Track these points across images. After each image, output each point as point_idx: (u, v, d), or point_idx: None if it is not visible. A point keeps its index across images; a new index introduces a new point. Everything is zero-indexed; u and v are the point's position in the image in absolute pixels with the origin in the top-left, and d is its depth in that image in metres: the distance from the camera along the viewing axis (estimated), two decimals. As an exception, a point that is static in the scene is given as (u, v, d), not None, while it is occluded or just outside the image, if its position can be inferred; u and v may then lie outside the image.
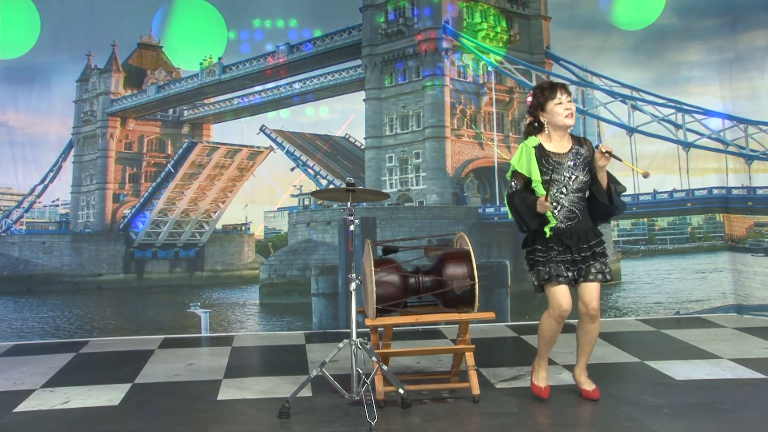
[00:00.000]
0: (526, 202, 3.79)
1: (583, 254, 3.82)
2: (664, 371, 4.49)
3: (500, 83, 6.95)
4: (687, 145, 6.64)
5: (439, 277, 3.93)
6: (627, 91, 6.74)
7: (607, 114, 6.82)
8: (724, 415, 3.67)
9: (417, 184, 6.86)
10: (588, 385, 4.01)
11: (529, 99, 3.96)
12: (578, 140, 3.93)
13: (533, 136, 3.89)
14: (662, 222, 7.03)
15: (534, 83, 6.86)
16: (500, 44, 6.98)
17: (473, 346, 4.00)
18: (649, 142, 6.70)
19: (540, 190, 3.80)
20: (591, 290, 3.83)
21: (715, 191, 6.63)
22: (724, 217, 6.76)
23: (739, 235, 6.72)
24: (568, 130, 3.91)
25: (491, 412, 3.81)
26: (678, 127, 6.68)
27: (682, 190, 6.68)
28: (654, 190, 6.76)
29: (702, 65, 6.64)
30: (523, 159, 3.83)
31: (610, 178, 3.87)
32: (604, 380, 4.33)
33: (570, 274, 3.81)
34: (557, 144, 3.88)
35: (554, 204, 3.82)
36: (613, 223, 6.95)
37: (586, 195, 3.92)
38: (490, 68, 6.93)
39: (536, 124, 3.91)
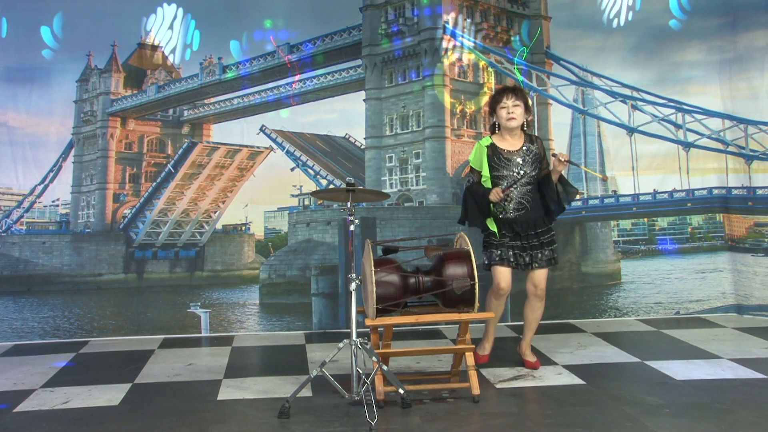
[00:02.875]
0: (479, 193, 4.33)
1: (531, 242, 4.36)
2: (664, 371, 4.49)
3: (500, 83, 6.95)
4: (687, 145, 6.64)
5: (439, 277, 3.93)
6: (627, 91, 6.74)
7: (607, 114, 6.82)
8: (724, 415, 3.67)
9: (417, 184, 6.86)
10: (531, 357, 4.66)
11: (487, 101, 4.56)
12: (530, 138, 4.43)
13: (487, 136, 4.43)
14: (662, 222, 7.03)
15: (534, 83, 6.87)
16: (500, 44, 6.98)
17: (473, 346, 4.01)
18: (649, 142, 6.70)
19: (488, 185, 4.34)
20: (539, 275, 4.40)
21: (715, 191, 6.63)
22: (724, 217, 6.76)
23: (739, 235, 6.72)
24: (519, 130, 4.39)
25: (491, 412, 3.81)
26: (678, 127, 6.68)
27: (682, 190, 6.68)
28: (654, 190, 6.77)
29: (702, 65, 6.63)
30: (476, 156, 4.39)
31: (563, 180, 4.38)
32: (604, 380, 4.34)
33: (519, 259, 4.35)
34: (509, 142, 4.40)
35: (505, 196, 4.30)
36: (612, 223, 6.96)
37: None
38: (490, 68, 6.94)
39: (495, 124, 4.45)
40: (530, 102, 4.59)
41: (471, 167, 4.45)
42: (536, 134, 4.60)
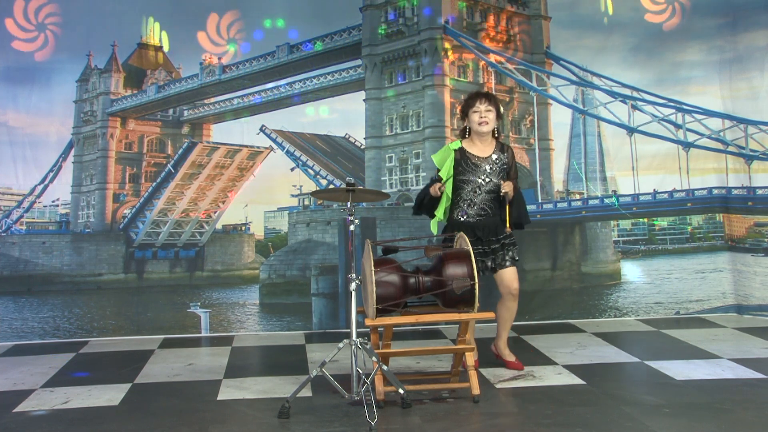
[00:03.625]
0: (426, 192, 4.37)
1: (493, 246, 4.36)
2: (664, 371, 4.49)
3: (500, 83, 6.95)
4: (687, 145, 6.64)
5: (439, 277, 3.92)
6: (627, 91, 6.74)
7: (607, 114, 6.82)
8: (724, 415, 3.67)
9: (417, 184, 6.85)
10: (510, 357, 4.63)
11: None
12: (501, 147, 4.45)
13: (458, 140, 4.44)
14: (662, 222, 7.03)
15: (534, 83, 6.87)
16: (500, 44, 6.99)
17: (473, 346, 4.01)
18: (649, 142, 6.70)
19: (449, 185, 4.35)
20: (509, 274, 4.39)
21: (715, 191, 6.63)
22: (724, 217, 6.76)
23: (739, 235, 6.72)
24: (491, 136, 4.40)
25: (491, 412, 3.81)
26: (678, 127, 6.68)
27: (682, 190, 6.68)
28: (654, 190, 6.76)
29: (702, 65, 6.64)
30: (442, 157, 4.38)
31: (518, 203, 4.39)
32: (604, 380, 4.34)
33: (482, 264, 4.32)
34: (479, 148, 4.41)
35: (467, 201, 4.37)
36: (612, 223, 6.96)
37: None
38: (490, 68, 6.94)
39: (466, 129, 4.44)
40: (501, 109, 4.57)
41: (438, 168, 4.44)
42: (508, 143, 4.72)
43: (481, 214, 4.38)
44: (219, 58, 6.85)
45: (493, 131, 4.41)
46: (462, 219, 4.39)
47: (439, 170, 4.41)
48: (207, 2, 6.53)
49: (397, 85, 6.94)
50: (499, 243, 4.38)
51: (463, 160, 4.36)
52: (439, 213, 4.42)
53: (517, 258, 4.45)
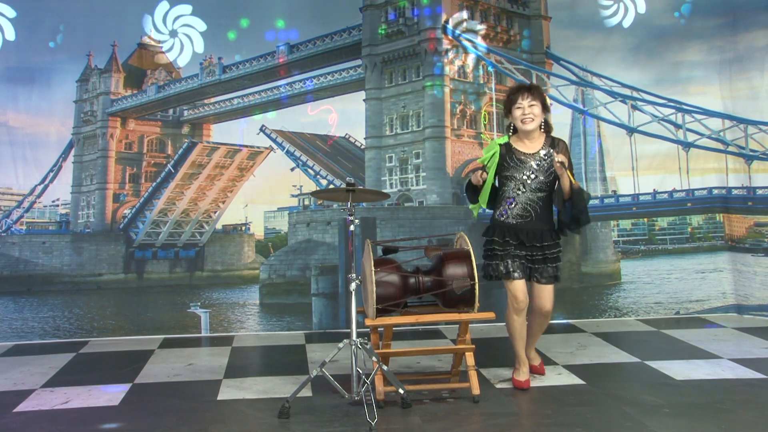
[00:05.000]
0: (475, 186, 4.09)
1: (535, 255, 4.06)
2: (664, 371, 4.49)
3: (500, 83, 6.95)
4: (687, 145, 6.64)
5: (439, 277, 3.93)
6: (627, 91, 6.74)
7: (607, 114, 6.82)
8: (724, 415, 3.67)
9: (417, 184, 6.86)
10: (535, 361, 4.43)
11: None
12: (552, 141, 4.12)
13: (506, 135, 4.17)
14: (662, 222, 7.03)
15: (534, 83, 6.86)
16: (500, 44, 6.99)
17: (473, 346, 4.01)
18: (649, 142, 6.70)
19: (489, 179, 4.06)
20: (545, 292, 4.12)
21: (715, 191, 6.63)
22: (724, 217, 6.76)
23: (739, 235, 6.72)
24: (538, 131, 4.09)
25: (491, 412, 3.81)
26: (678, 127, 6.68)
27: (682, 190, 6.68)
28: (654, 190, 6.77)
29: (702, 65, 6.64)
30: (487, 151, 4.12)
31: (576, 192, 4.01)
32: (604, 380, 4.34)
33: (527, 268, 4.07)
34: (526, 145, 4.11)
35: (510, 199, 4.07)
36: (612, 223, 6.96)
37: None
38: (490, 68, 6.94)
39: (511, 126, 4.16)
40: (548, 100, 4.23)
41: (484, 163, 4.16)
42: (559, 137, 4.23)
43: (524, 216, 4.06)
44: (219, 58, 6.85)
45: (542, 125, 4.10)
46: (502, 219, 4.10)
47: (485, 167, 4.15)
48: (207, 3, 6.54)
49: (397, 84, 6.94)
50: (543, 255, 4.07)
51: (508, 155, 4.07)
52: (482, 199, 4.12)
53: (558, 278, 4.14)
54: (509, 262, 4.06)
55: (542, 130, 4.13)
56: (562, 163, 3.91)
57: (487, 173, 4.04)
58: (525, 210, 4.07)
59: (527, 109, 4.03)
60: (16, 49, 6.30)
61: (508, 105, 4.12)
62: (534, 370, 4.41)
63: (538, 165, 4.06)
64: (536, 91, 4.08)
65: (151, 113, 7.02)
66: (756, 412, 3.71)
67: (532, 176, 4.05)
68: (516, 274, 4.05)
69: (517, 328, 4.18)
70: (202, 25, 6.52)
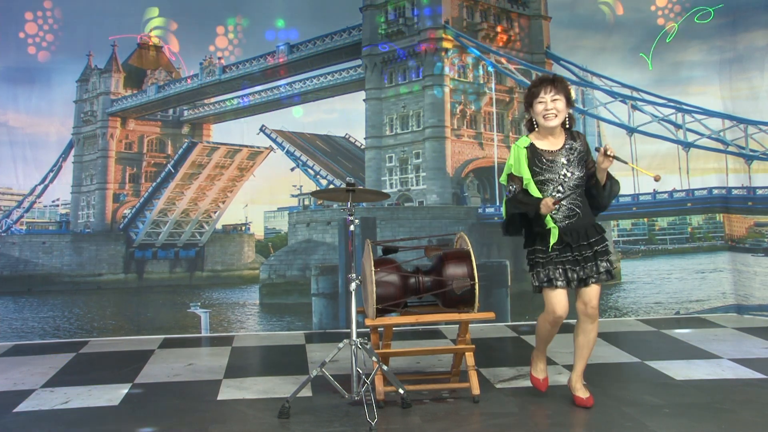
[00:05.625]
0: (527, 203, 3.70)
1: (584, 253, 3.72)
2: (664, 371, 4.49)
3: (500, 83, 6.95)
4: (687, 145, 6.64)
5: (439, 277, 3.93)
6: (627, 91, 6.74)
7: (607, 114, 6.82)
8: (724, 415, 3.67)
9: (417, 184, 6.86)
10: (582, 393, 3.89)
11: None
12: (572, 134, 3.81)
13: (525, 136, 3.82)
14: (662, 222, 7.03)
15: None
16: (500, 44, 6.98)
17: (473, 346, 4.00)
18: (649, 142, 6.71)
19: (533, 188, 3.72)
20: (591, 290, 3.75)
21: (715, 191, 6.63)
22: (724, 217, 6.76)
23: (739, 235, 6.72)
24: (560, 128, 3.78)
25: (491, 412, 3.81)
26: (678, 127, 6.68)
27: (682, 190, 6.68)
28: (654, 190, 6.77)
29: (702, 65, 6.64)
30: (515, 160, 3.75)
31: (609, 176, 3.77)
32: (604, 380, 4.34)
33: (571, 275, 3.72)
34: (549, 141, 3.79)
35: (557, 208, 3.73)
36: (612, 223, 6.96)
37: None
38: (490, 68, 6.94)
39: (533, 121, 3.82)
40: (573, 93, 3.85)
41: (510, 174, 3.80)
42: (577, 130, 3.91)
43: (571, 216, 3.73)
44: (219, 58, 6.85)
45: (566, 120, 3.77)
46: (548, 227, 3.72)
47: (513, 176, 3.78)
48: (207, 2, 6.54)
49: (398, 84, 6.94)
50: (592, 250, 3.73)
51: (535, 158, 3.73)
52: (549, 222, 3.71)
53: (611, 273, 3.78)
54: (549, 269, 3.74)
55: (562, 126, 3.80)
56: (611, 156, 3.62)
57: (553, 201, 3.66)
58: (571, 210, 3.75)
59: (550, 104, 3.71)
60: (16, 49, 6.31)
61: (529, 98, 3.79)
62: (581, 404, 3.86)
63: (568, 160, 3.75)
64: (560, 84, 3.75)
65: (151, 113, 7.02)
66: (756, 412, 3.71)
67: (568, 174, 3.74)
68: (559, 282, 3.72)
69: (546, 333, 3.95)
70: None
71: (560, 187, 3.73)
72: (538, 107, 3.73)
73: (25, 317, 6.25)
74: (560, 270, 3.73)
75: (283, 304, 6.54)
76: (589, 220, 3.79)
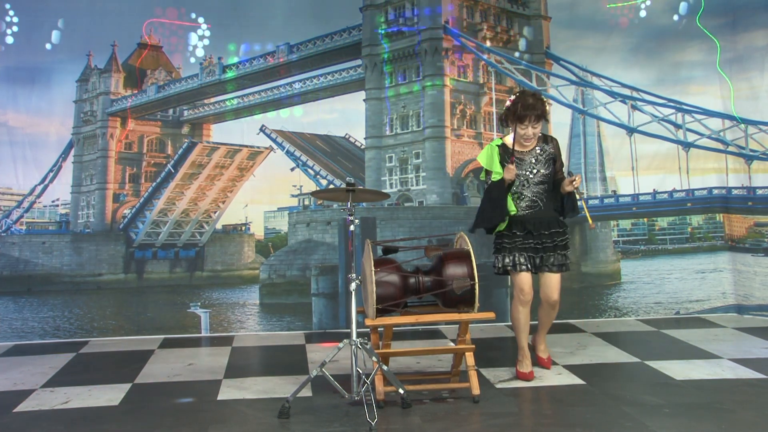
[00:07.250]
0: (496, 186, 4.20)
1: (544, 243, 4.24)
2: (664, 371, 4.49)
3: (500, 83, 6.95)
4: (687, 145, 6.64)
5: (439, 277, 3.93)
6: (627, 91, 6.74)
7: (607, 114, 6.82)
8: (724, 415, 3.67)
9: (417, 184, 6.86)
10: (543, 353, 4.56)
11: (508, 103, 4.27)
12: (545, 138, 4.34)
13: (499, 138, 4.40)
14: (662, 222, 7.03)
15: (534, 83, 6.86)
16: (500, 44, 6.98)
17: (473, 346, 4.01)
18: (649, 142, 6.70)
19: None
20: (552, 281, 4.28)
21: (715, 191, 6.63)
22: (724, 217, 6.76)
23: (739, 235, 6.72)
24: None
25: (491, 412, 3.81)
26: (678, 127, 6.68)
27: (682, 190, 6.68)
28: (654, 190, 6.77)
29: (702, 65, 6.64)
30: (488, 157, 4.28)
31: (572, 197, 4.29)
32: (604, 380, 4.34)
33: (533, 261, 4.23)
34: (523, 145, 4.29)
35: (517, 194, 4.28)
36: (612, 223, 6.96)
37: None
38: (490, 68, 6.94)
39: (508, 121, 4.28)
40: (548, 110, 4.44)
41: (485, 169, 4.35)
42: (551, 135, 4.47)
43: (532, 206, 4.27)
44: (219, 58, 6.85)
45: None
46: (512, 214, 4.26)
47: (487, 172, 4.32)
48: (207, 2, 6.54)
49: (398, 84, 6.94)
50: (552, 240, 4.25)
51: (506, 155, 4.26)
52: (511, 207, 4.26)
53: (567, 266, 4.32)
54: (516, 254, 4.23)
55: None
56: (574, 186, 4.18)
57: (512, 166, 4.19)
58: (533, 201, 4.28)
59: (530, 132, 4.22)
60: (16, 49, 6.31)
61: (512, 119, 4.22)
62: (540, 363, 4.54)
63: (536, 159, 4.28)
64: (542, 115, 4.21)
65: (151, 113, 7.02)
66: (756, 412, 3.71)
67: (534, 170, 4.27)
68: (523, 266, 4.22)
69: (521, 320, 4.32)
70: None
71: (525, 182, 4.28)
72: (520, 131, 4.22)
73: (25, 317, 6.25)
74: (525, 255, 4.23)
75: (283, 304, 6.54)
76: (551, 214, 4.30)
